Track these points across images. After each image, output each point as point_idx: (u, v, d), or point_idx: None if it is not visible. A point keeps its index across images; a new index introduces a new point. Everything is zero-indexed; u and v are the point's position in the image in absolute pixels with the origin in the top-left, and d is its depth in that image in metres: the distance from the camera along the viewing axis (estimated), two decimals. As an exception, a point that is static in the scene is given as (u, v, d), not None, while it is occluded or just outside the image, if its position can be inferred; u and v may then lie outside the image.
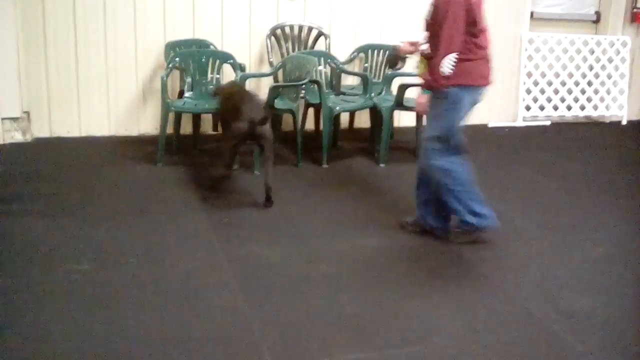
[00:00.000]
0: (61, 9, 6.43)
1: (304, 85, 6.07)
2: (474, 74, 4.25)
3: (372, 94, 6.32)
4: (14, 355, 3.15)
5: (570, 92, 8.28)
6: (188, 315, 3.55)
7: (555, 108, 8.25)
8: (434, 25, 4.19)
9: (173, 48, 6.46)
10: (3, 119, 6.37)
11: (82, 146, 6.48)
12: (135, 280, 3.89)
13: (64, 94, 6.61)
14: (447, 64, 4.12)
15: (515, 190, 5.80)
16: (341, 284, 3.98)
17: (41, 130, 6.62)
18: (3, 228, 4.55)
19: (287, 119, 6.56)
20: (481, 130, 7.85)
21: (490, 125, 7.98)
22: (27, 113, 6.53)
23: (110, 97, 6.72)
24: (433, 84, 4.23)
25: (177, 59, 6.24)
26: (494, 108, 8.03)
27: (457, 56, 4.11)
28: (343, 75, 6.75)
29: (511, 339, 3.45)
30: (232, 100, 5.24)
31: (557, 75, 8.24)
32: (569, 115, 8.34)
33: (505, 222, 5.02)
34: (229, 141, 5.12)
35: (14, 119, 6.42)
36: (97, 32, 6.56)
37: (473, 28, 4.16)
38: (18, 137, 6.45)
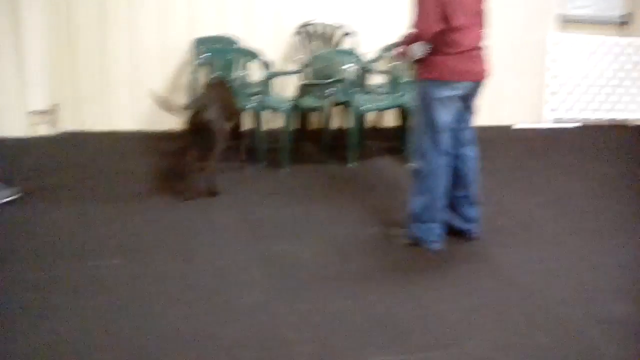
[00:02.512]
0: (88, 3, 6.43)
1: (331, 84, 6.04)
2: (446, 69, 4.17)
3: (401, 93, 6.28)
4: (48, 351, 3.16)
5: (596, 94, 8.20)
6: (219, 313, 3.54)
7: (581, 110, 8.18)
8: None
9: (201, 44, 6.45)
10: (30, 112, 6.39)
11: (109, 140, 6.50)
12: (166, 277, 3.89)
13: (91, 87, 6.63)
14: (417, 49, 4.15)
15: (544, 193, 5.74)
16: (372, 283, 3.96)
17: (68, 123, 6.63)
18: (31, 222, 4.58)
19: (313, 117, 6.54)
20: (505, 131, 7.79)
21: (515, 127, 7.92)
22: (55, 106, 6.55)
23: (137, 92, 6.73)
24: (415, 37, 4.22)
25: (205, 56, 6.22)
26: (518, 109, 7.99)
27: (425, 45, 4.11)
28: (370, 73, 6.71)
29: (545, 344, 3.41)
30: None
31: (583, 77, 8.16)
32: (594, 117, 8.26)
33: (537, 226, 4.99)
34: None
35: (42, 112, 6.44)
36: (125, 26, 6.56)
37: (447, 23, 4.09)
38: (45, 130, 6.47)
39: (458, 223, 4.57)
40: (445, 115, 4.24)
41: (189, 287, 3.78)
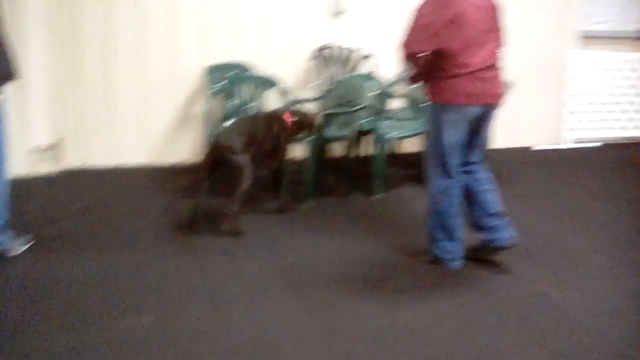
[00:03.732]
0: (93, 32, 6.09)
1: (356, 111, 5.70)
2: (454, 92, 4.05)
3: (423, 118, 5.95)
4: None
5: (617, 112, 7.94)
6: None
7: (601, 129, 7.90)
8: None
9: (214, 72, 6.10)
10: (32, 148, 6.00)
11: (117, 176, 6.12)
12: (204, 336, 3.51)
13: (96, 120, 6.26)
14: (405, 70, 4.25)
15: (577, 219, 5.42)
16: (432, 335, 3.61)
17: (72, 159, 6.26)
18: (47, 277, 4.14)
19: (332, 145, 6.20)
20: (524, 153, 7.50)
21: (535, 148, 7.63)
22: (57, 142, 6.18)
23: (145, 124, 6.37)
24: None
25: (221, 84, 5.88)
26: (537, 130, 7.70)
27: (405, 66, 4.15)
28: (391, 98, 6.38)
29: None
30: None
31: (602, 95, 7.90)
32: (615, 136, 7.99)
33: (582, 258, 4.68)
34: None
35: (45, 149, 6.07)
36: (131, 56, 6.21)
37: (448, 45, 3.96)
38: (48, 167, 6.09)
39: (485, 236, 4.35)
40: (453, 138, 4.12)
41: (232, 348, 3.41)
